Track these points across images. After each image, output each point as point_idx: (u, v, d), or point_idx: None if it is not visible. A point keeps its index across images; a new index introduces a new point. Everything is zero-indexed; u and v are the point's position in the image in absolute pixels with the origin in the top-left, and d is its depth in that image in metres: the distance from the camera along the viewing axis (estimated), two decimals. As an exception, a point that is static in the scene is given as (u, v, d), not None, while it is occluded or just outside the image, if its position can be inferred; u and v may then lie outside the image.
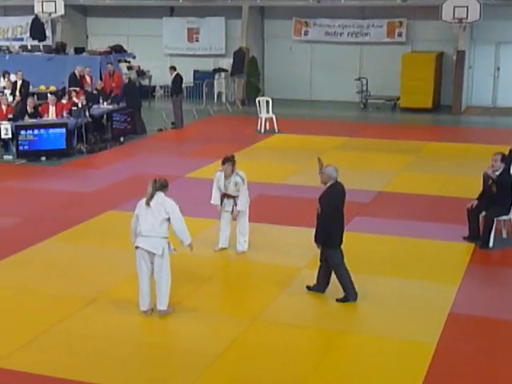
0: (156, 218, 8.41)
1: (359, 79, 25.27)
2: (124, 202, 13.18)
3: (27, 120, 17.60)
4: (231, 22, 26.67)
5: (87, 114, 18.16)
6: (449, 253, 10.88)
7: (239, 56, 25.33)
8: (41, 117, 17.95)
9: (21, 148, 16.83)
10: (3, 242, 11.36)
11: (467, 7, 22.37)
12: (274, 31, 26.75)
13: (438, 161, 16.76)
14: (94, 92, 20.03)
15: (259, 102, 20.68)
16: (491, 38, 24.27)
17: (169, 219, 8.44)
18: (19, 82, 20.48)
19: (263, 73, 26.85)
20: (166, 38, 27.67)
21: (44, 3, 26.23)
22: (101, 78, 21.48)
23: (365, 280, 9.54)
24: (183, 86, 21.80)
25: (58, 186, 14.72)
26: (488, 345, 8.09)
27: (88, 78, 20.93)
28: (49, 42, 27.26)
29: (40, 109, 18.20)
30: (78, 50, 23.97)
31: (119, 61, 24.08)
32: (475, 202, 11.16)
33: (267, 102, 20.57)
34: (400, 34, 25.14)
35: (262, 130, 20.23)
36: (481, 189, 11.29)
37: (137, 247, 8.51)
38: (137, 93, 20.88)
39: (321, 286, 9.30)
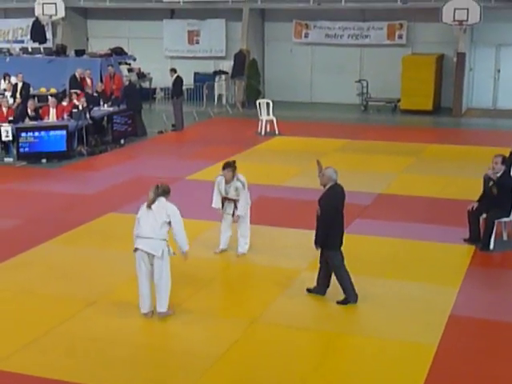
0: (157, 221, 8.42)
1: (359, 81, 25.28)
2: (124, 204, 13.19)
3: (28, 122, 17.61)
4: (232, 25, 26.69)
5: (88, 116, 18.16)
6: (449, 255, 10.88)
7: (240, 58, 25.35)
8: (41, 119, 17.96)
9: (21, 150, 16.83)
10: (4, 244, 11.36)
11: (467, 9, 22.36)
12: (275, 33, 26.76)
13: (438, 163, 16.76)
14: (95, 94, 20.02)
15: (259, 104, 20.68)
16: (491, 41, 24.28)
17: (169, 223, 8.45)
18: (20, 85, 20.49)
19: (263, 75, 26.85)
20: (167, 40, 27.69)
21: (44, 5, 26.25)
22: (101, 81, 21.48)
23: (365, 282, 9.54)
24: (184, 88, 21.80)
25: (59, 188, 14.72)
26: (488, 347, 8.09)
27: (88, 81, 20.94)
28: (49, 44, 27.28)
29: (40, 111, 18.21)
30: (79, 53, 23.97)
31: (120, 63, 24.08)
32: (476, 204, 11.16)
33: (267, 104, 20.58)
34: (400, 36, 25.16)
35: (263, 132, 20.24)
36: (481, 191, 11.29)
37: (136, 249, 8.51)
38: (137, 95, 20.89)
39: (321, 288, 9.30)
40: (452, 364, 7.65)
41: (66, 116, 18.05)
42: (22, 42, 28.38)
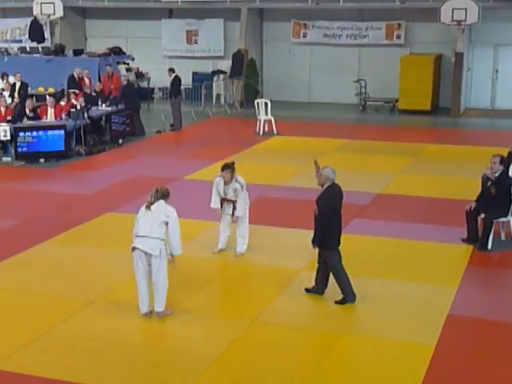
0: (156, 220, 8.47)
1: (358, 81, 25.29)
2: (123, 203, 13.19)
3: (26, 122, 17.59)
4: (230, 24, 26.68)
5: (86, 115, 18.15)
6: (447, 255, 10.88)
7: (238, 58, 25.34)
8: (39, 119, 17.95)
9: (19, 150, 16.83)
10: (2, 243, 11.35)
11: (466, 9, 22.37)
12: (273, 33, 26.76)
13: (436, 163, 16.76)
14: (93, 94, 20.02)
15: (258, 103, 20.69)
16: (490, 41, 24.29)
17: (167, 224, 8.48)
18: (18, 84, 20.47)
19: (262, 75, 26.84)
20: (165, 39, 27.67)
21: (43, 5, 26.24)
22: (99, 80, 21.47)
23: (363, 282, 9.55)
24: (182, 87, 21.79)
25: (57, 188, 14.71)
26: (487, 346, 8.10)
27: (87, 80, 20.93)
28: (47, 43, 27.22)
29: (39, 111, 18.19)
30: (77, 52, 23.97)
31: (118, 63, 24.07)
32: (474, 204, 11.17)
33: (266, 103, 20.59)
34: (399, 36, 25.16)
35: (261, 132, 20.24)
36: (479, 191, 11.29)
37: (134, 248, 8.52)
38: (135, 95, 20.88)
39: (319, 288, 9.31)
40: (450, 364, 7.66)
41: (64, 116, 18.04)
42: (20, 41, 28.36)
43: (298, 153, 17.69)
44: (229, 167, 10.45)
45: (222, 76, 26.23)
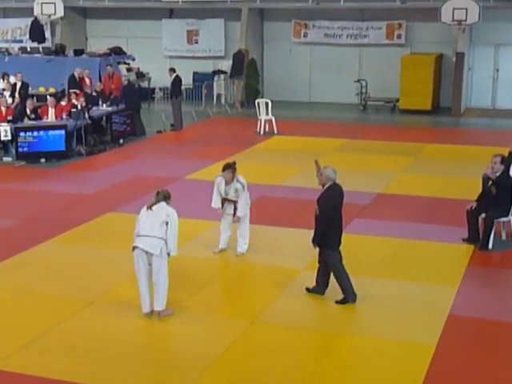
0: (157, 219, 8.49)
1: (358, 81, 25.28)
2: (123, 203, 13.19)
3: (26, 122, 17.60)
4: (230, 24, 26.67)
5: (86, 115, 18.15)
6: (448, 255, 10.87)
7: (238, 58, 25.34)
8: (40, 119, 17.95)
9: (20, 150, 16.83)
10: (2, 243, 11.35)
11: (466, 9, 22.37)
12: (274, 33, 26.75)
13: (437, 163, 16.76)
14: (94, 94, 20.02)
15: (258, 103, 20.68)
16: (490, 40, 24.28)
17: (167, 223, 8.49)
18: (18, 84, 20.46)
19: (262, 75, 26.84)
20: (166, 39, 27.67)
21: (43, 5, 26.24)
22: (100, 80, 21.47)
23: (364, 282, 9.54)
24: (182, 87, 21.79)
25: (57, 188, 14.71)
26: (487, 346, 8.09)
27: (87, 80, 20.92)
28: (48, 43, 27.24)
29: (39, 111, 18.20)
30: (78, 52, 23.96)
31: (118, 63, 24.06)
32: (474, 204, 11.16)
33: (266, 103, 20.58)
34: (399, 36, 25.15)
35: (262, 132, 20.23)
36: (480, 191, 11.29)
37: (135, 248, 8.52)
38: (136, 95, 20.88)
39: (320, 288, 9.30)
40: (451, 364, 7.65)
41: (64, 116, 18.04)
42: (21, 41, 28.36)
43: (298, 153, 17.69)
44: (230, 167, 10.44)
45: (222, 76, 26.23)
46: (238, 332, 8.35)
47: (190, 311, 8.88)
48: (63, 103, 18.45)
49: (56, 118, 18.05)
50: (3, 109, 17.72)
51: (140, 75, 25.87)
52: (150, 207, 8.57)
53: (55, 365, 7.61)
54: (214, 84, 26.21)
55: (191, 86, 25.19)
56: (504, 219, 11.17)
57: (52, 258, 10.78)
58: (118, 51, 24.08)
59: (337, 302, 9.06)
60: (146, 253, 8.48)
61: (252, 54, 25.88)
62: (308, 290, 9.37)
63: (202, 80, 25.59)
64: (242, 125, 22.18)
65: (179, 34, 27.46)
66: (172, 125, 21.12)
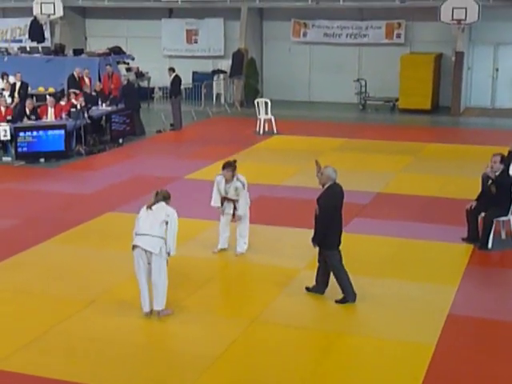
0: (157, 219, 8.50)
1: (358, 80, 25.27)
2: (123, 203, 13.19)
3: (26, 122, 17.59)
4: (230, 24, 26.67)
5: (86, 115, 18.14)
6: (448, 254, 10.88)
7: (238, 57, 25.34)
8: (39, 118, 17.94)
9: (19, 150, 16.83)
10: (2, 243, 11.35)
11: (466, 8, 22.36)
12: (273, 32, 26.75)
13: (436, 162, 16.76)
14: (93, 94, 20.02)
15: (258, 103, 20.68)
16: (490, 40, 24.28)
17: (167, 223, 8.49)
18: (18, 84, 20.46)
19: (262, 74, 26.83)
20: (165, 39, 27.67)
21: (43, 5, 26.24)
22: (99, 80, 21.47)
23: (364, 281, 9.54)
24: (182, 87, 21.79)
25: (57, 188, 14.71)
26: (487, 346, 8.10)
27: (87, 80, 20.92)
28: (47, 43, 27.24)
29: (39, 110, 18.19)
30: (77, 52, 23.97)
31: (118, 62, 24.07)
32: (474, 203, 11.16)
33: (266, 103, 20.58)
34: (399, 36, 25.14)
35: (261, 132, 20.23)
36: (480, 190, 11.29)
37: (135, 246, 8.52)
38: (135, 94, 20.87)
39: (320, 287, 9.30)
40: (450, 363, 7.65)
41: (64, 115, 18.03)
42: (20, 41, 28.35)
43: (298, 152, 17.69)
44: (230, 165, 10.42)
45: (222, 75, 26.23)
46: (237, 332, 8.35)
47: (189, 311, 8.88)
48: (63, 103, 18.44)
49: (55, 117, 18.04)
50: (3, 109, 17.71)
51: (139, 75, 25.87)
52: (149, 207, 8.60)
53: (55, 365, 7.61)
54: (214, 83, 26.20)
55: (191, 86, 25.18)
56: (503, 218, 11.17)
57: (52, 258, 10.78)
58: (117, 51, 24.08)
59: (337, 302, 9.06)
60: (146, 252, 8.48)
61: (251, 53, 25.87)
62: (308, 289, 9.37)
63: (202, 79, 25.58)
64: (241, 124, 22.18)
65: (178, 33, 27.45)
66: (171, 124, 21.12)
